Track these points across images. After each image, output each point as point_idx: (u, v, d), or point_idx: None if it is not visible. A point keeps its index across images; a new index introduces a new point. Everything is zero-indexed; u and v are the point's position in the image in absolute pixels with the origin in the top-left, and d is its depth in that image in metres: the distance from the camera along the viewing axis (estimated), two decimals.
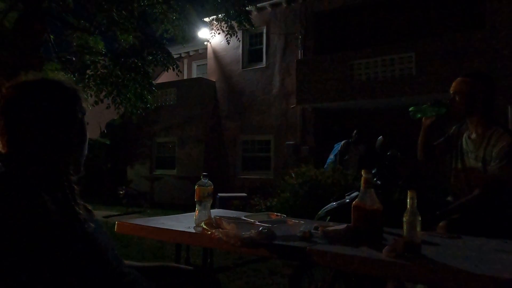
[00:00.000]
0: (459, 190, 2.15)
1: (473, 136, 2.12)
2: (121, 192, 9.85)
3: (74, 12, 8.06)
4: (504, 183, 1.93)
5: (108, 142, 13.41)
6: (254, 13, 10.78)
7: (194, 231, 1.66)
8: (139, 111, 8.30)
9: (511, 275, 1.06)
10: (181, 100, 12.72)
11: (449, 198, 2.22)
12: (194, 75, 15.28)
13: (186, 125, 12.48)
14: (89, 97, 7.63)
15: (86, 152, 1.13)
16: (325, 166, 7.28)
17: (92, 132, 12.39)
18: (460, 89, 2.10)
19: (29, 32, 6.30)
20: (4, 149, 1.00)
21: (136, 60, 7.86)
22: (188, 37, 8.89)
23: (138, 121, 10.75)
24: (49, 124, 1.00)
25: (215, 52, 12.87)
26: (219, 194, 8.37)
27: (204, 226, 1.58)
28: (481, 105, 2.06)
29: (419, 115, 2.19)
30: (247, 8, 8.42)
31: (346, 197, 2.64)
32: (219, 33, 9.31)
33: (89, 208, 1.10)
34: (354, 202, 1.47)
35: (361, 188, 1.46)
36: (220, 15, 8.45)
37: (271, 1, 11.63)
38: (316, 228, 1.57)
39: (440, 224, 1.94)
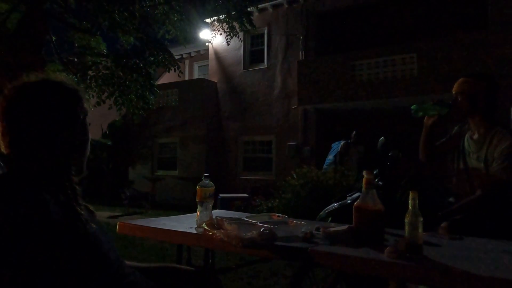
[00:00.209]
0: (461, 191, 2.15)
1: (475, 136, 2.12)
2: (127, 194, 9.85)
3: (76, 13, 8.09)
4: (506, 183, 1.92)
5: (110, 143, 13.43)
6: (256, 14, 10.78)
7: (195, 232, 1.66)
8: (140, 112, 8.31)
9: None
10: (183, 101, 12.74)
11: (451, 199, 2.22)
12: (196, 76, 15.30)
13: (188, 125, 12.49)
14: (91, 98, 7.65)
15: (88, 152, 1.13)
16: (324, 166, 7.28)
17: (94, 133, 12.41)
18: (462, 89, 2.10)
19: (31, 33, 6.32)
20: (6, 150, 1.00)
21: (137, 61, 7.87)
22: (190, 38, 8.91)
23: (140, 122, 10.77)
24: (50, 124, 1.00)
25: (216, 53, 12.88)
26: (221, 195, 8.37)
27: (206, 227, 1.58)
28: (483, 106, 2.05)
29: (421, 114, 2.18)
30: (248, 9, 8.43)
31: (348, 198, 2.64)
32: (220, 34, 9.32)
33: (91, 208, 1.10)
34: (355, 203, 1.46)
35: (363, 189, 1.46)
36: (221, 16, 8.46)
37: (272, 2, 11.63)
38: (317, 229, 1.57)
39: (442, 225, 1.93)
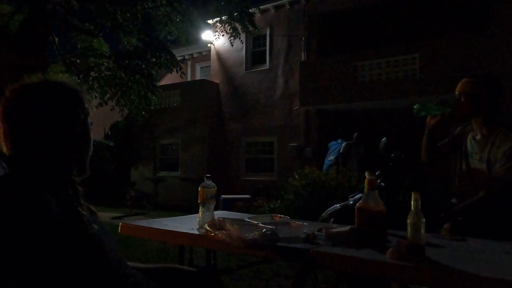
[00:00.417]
0: (463, 192, 2.14)
1: (478, 137, 2.11)
2: (132, 195, 9.87)
3: (79, 15, 8.11)
4: (509, 184, 1.91)
5: (112, 144, 13.47)
6: (258, 15, 10.80)
7: (197, 232, 1.66)
8: (143, 112, 8.33)
9: None
10: (185, 102, 12.76)
11: (453, 200, 2.21)
12: (198, 77, 15.32)
13: (190, 126, 12.51)
14: (93, 99, 7.66)
15: (91, 152, 1.13)
16: (324, 167, 7.27)
17: (96, 134, 12.45)
18: (465, 90, 2.09)
19: (34, 35, 6.34)
20: (8, 151, 1.00)
21: (140, 62, 7.89)
22: (192, 39, 8.91)
23: (142, 123, 10.80)
24: (51, 125, 1.00)
25: (218, 54, 12.90)
26: (223, 196, 8.37)
27: (208, 228, 1.58)
28: (486, 106, 2.05)
29: (423, 113, 2.17)
30: (250, 10, 8.43)
31: (350, 199, 2.63)
32: (222, 35, 9.33)
33: (93, 209, 1.10)
34: (357, 204, 1.46)
35: (365, 189, 1.45)
36: (223, 17, 8.47)
37: (274, 3, 11.64)
38: (319, 230, 1.57)
39: (445, 226, 1.92)
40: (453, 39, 8.69)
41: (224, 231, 1.49)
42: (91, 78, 8.06)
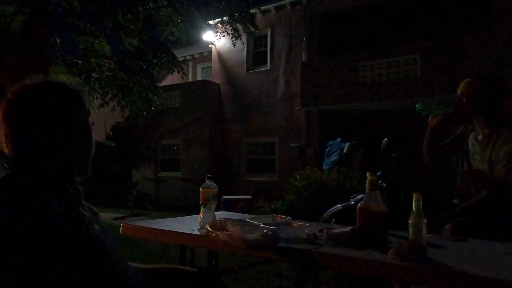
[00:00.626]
0: (465, 192, 2.13)
1: (480, 137, 2.10)
2: (134, 195, 9.88)
3: (80, 16, 8.12)
4: (511, 185, 1.91)
5: (113, 145, 13.49)
6: (259, 15, 10.80)
7: (198, 233, 1.66)
8: (144, 113, 8.34)
9: None
10: (186, 103, 12.77)
11: (455, 200, 2.20)
12: (199, 77, 15.33)
13: (191, 127, 12.51)
14: (95, 100, 7.67)
15: (92, 152, 1.13)
16: (326, 167, 7.26)
17: (98, 135, 12.45)
18: (467, 90, 2.09)
19: (36, 36, 6.36)
20: (9, 152, 1.00)
21: (141, 63, 7.90)
22: (193, 40, 8.91)
23: (144, 123, 10.80)
24: (51, 126, 1.01)
25: (219, 55, 12.91)
26: (224, 196, 8.37)
27: (209, 228, 1.58)
28: (488, 107, 2.04)
29: (425, 113, 2.16)
30: (251, 10, 8.44)
31: (351, 199, 2.63)
32: (223, 36, 9.34)
33: (94, 210, 1.10)
34: (359, 205, 1.46)
35: (366, 190, 1.45)
36: (224, 18, 8.47)
37: (275, 4, 11.65)
38: (321, 231, 1.57)
39: (446, 226, 1.92)
40: (454, 39, 8.68)
41: (225, 232, 1.49)
42: (92, 79, 8.07)
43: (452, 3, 9.49)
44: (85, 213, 1.00)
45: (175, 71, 8.24)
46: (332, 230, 1.49)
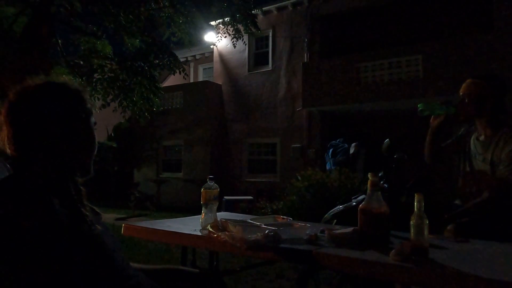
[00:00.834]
0: (467, 193, 2.13)
1: (482, 138, 2.10)
2: (136, 195, 9.88)
3: (82, 17, 8.15)
4: None
5: (115, 145, 13.51)
6: (260, 16, 10.82)
7: (200, 234, 1.66)
8: (145, 114, 8.35)
9: None
10: (188, 104, 12.78)
11: (457, 201, 2.20)
12: (201, 78, 15.35)
13: (193, 128, 12.53)
14: (97, 101, 7.69)
15: (94, 153, 1.13)
16: (332, 167, 7.23)
17: (100, 135, 12.46)
18: (469, 90, 2.08)
19: (38, 37, 6.38)
20: (12, 152, 1.01)
21: (142, 64, 7.91)
22: (195, 41, 8.93)
23: (145, 124, 10.83)
24: (53, 126, 1.01)
25: (221, 56, 12.92)
26: (225, 197, 8.37)
27: (210, 229, 1.58)
28: (490, 107, 2.04)
29: (427, 113, 2.15)
30: (253, 11, 8.44)
31: (353, 200, 2.62)
32: (225, 37, 9.34)
33: (97, 210, 1.11)
34: (360, 205, 1.46)
35: (368, 191, 1.45)
36: (226, 19, 8.49)
37: (277, 5, 11.65)
38: (322, 231, 1.57)
39: (448, 227, 1.91)
40: (456, 40, 8.67)
41: (226, 232, 1.49)
42: (94, 79, 8.09)
43: (454, 4, 9.48)
44: (87, 213, 1.00)
45: (176, 72, 8.25)
46: (334, 231, 1.49)
